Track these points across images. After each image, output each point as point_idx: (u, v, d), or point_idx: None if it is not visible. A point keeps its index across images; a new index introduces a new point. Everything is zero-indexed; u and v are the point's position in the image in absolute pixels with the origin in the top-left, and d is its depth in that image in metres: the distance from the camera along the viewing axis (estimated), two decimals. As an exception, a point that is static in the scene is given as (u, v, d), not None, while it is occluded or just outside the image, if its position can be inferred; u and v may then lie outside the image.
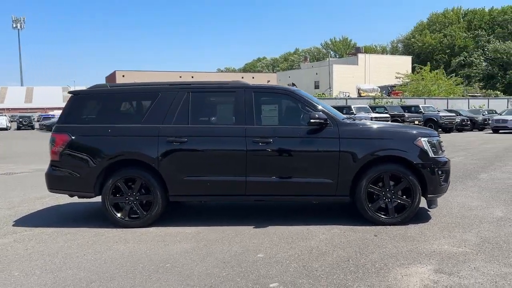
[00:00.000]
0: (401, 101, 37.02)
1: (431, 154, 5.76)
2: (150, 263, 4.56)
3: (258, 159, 5.83)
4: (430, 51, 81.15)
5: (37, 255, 4.91)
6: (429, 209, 6.19)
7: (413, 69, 58.92)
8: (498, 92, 46.58)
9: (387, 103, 34.97)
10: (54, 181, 6.21)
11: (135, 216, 6.01)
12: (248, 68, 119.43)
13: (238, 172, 5.86)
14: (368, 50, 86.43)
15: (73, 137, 6.02)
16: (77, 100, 6.26)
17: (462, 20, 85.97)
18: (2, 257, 4.86)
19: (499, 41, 62.89)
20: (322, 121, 5.72)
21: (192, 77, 67.20)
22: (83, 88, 8.34)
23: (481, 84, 53.26)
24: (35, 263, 4.64)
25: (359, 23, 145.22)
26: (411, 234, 5.35)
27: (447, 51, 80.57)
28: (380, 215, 5.78)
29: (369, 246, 4.92)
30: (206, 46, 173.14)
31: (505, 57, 58.23)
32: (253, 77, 73.18)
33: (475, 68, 61.10)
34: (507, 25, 76.95)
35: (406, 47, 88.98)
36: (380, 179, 5.76)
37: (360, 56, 62.11)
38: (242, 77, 71.28)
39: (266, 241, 5.22)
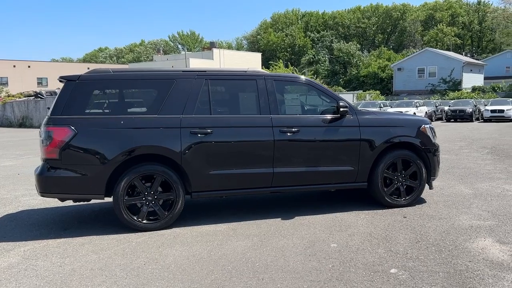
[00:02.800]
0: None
1: (433, 140, 6.35)
2: (231, 263, 4.16)
3: (285, 149, 5.70)
4: (274, 48, 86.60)
5: (89, 272, 4.10)
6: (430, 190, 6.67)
7: (264, 65, 62.09)
8: (341, 88, 52.07)
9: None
10: (52, 184, 5.18)
11: (154, 217, 5.38)
12: (89, 59, 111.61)
13: (265, 163, 5.65)
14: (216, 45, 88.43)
15: (76, 131, 5.10)
16: (77, 87, 5.28)
17: (300, 21, 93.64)
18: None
19: (343, 42, 70.07)
20: (347, 109, 5.86)
21: (29, 66, 60.94)
22: None
23: (326, 80, 58.88)
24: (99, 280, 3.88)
25: (205, 18, 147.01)
26: (431, 213, 5.83)
27: (288, 50, 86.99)
28: (394, 198, 6.17)
29: (413, 227, 5.24)
30: (40, 35, 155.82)
31: (345, 56, 65.23)
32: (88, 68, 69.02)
33: (322, 65, 67.16)
34: (337, 28, 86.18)
35: (251, 44, 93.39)
36: (392, 164, 6.14)
37: (215, 51, 63.12)
38: (88, 68, 66.91)
39: (315, 231, 5.17)
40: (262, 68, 46.97)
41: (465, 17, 78.91)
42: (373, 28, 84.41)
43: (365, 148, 5.96)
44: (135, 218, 5.27)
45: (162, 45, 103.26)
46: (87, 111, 5.27)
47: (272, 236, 5.01)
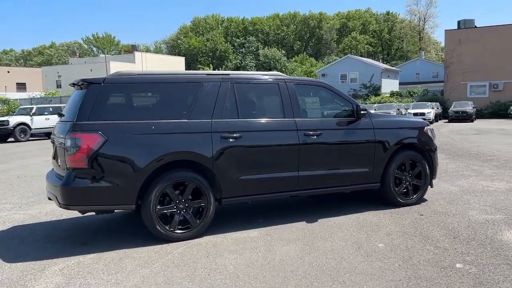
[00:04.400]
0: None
1: (433, 140, 6.72)
2: (297, 268, 4.08)
3: (309, 153, 5.72)
4: (196, 53, 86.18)
5: (156, 286, 3.81)
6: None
7: (189, 69, 61.48)
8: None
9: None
10: (79, 195, 4.73)
11: (184, 226, 5.13)
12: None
13: (291, 167, 5.63)
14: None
15: (106, 137, 4.72)
16: (102, 90, 4.88)
17: (220, 26, 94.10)
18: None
19: (268, 48, 71.48)
20: (366, 112, 6.03)
21: None
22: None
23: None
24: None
25: (120, 20, 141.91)
26: (441, 210, 6.15)
27: (210, 54, 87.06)
28: (403, 197, 6.43)
29: (438, 224, 5.49)
30: None
31: (271, 62, 66.67)
32: (8, 71, 64.24)
33: (249, 70, 68.05)
34: (258, 34, 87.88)
35: (171, 48, 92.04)
36: (401, 164, 6.40)
37: (137, 54, 61.40)
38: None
39: (350, 232, 5.24)
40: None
41: (375, 26, 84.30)
42: (292, 36, 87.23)
43: (379, 149, 6.16)
44: (167, 228, 4.99)
45: (76, 48, 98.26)
46: (115, 116, 4.89)
47: (314, 240, 4.99)
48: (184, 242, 5.00)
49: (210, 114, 5.25)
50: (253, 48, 74.38)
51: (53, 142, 5.53)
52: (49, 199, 5.33)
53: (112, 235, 5.40)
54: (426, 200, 6.73)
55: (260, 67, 68.44)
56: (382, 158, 6.18)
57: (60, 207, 4.87)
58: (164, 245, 4.92)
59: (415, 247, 4.67)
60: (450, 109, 33.26)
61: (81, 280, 4.00)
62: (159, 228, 4.93)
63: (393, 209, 6.25)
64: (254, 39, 78.81)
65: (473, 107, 33.13)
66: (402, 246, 4.70)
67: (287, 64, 67.39)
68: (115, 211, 5.43)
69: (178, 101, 5.28)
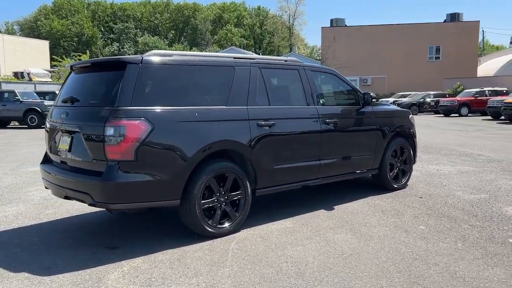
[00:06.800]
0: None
1: (415, 127, 7.19)
2: (388, 254, 4.07)
3: (329, 140, 5.69)
4: (58, 37, 79.28)
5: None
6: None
7: (53, 54, 56.28)
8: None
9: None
10: (126, 191, 4.06)
11: (223, 220, 4.75)
12: None
13: (314, 155, 5.55)
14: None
15: (153, 125, 4.12)
16: (143, 72, 4.22)
17: (86, 10, 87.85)
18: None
19: (149, 35, 68.28)
20: (375, 100, 6.19)
21: None
22: None
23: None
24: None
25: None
26: (432, 192, 6.61)
27: (75, 39, 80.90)
28: (395, 181, 6.77)
29: (445, 204, 5.88)
30: None
31: (154, 49, 63.91)
32: None
33: None
34: (129, 20, 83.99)
35: (28, 30, 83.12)
36: (394, 151, 6.72)
37: (-7, 35, 54.29)
38: None
39: (378, 217, 5.35)
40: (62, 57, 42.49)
41: (248, 20, 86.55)
42: (166, 24, 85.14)
43: (379, 136, 6.39)
44: (210, 223, 4.57)
45: None
46: (155, 101, 4.27)
47: (355, 226, 4.96)
48: (228, 237, 4.62)
49: (245, 100, 4.90)
50: (131, 35, 70.81)
51: (54, 130, 4.69)
52: (65, 196, 4.50)
53: (132, 236, 4.75)
54: (408, 185, 7.17)
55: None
56: (381, 145, 6.42)
57: (95, 205, 4.12)
58: (207, 241, 4.48)
59: (454, 227, 4.95)
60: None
61: (161, 286, 3.46)
62: (203, 224, 4.48)
63: (388, 193, 6.53)
64: (133, 25, 75.10)
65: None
66: (442, 227, 4.95)
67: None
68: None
69: (216, 86, 4.83)
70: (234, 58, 5.12)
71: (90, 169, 4.20)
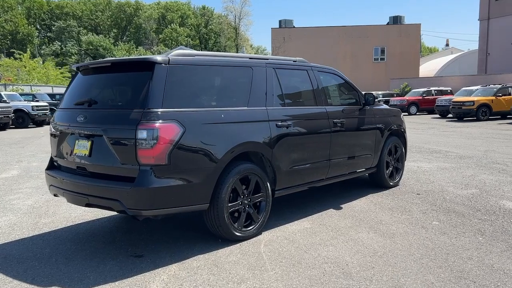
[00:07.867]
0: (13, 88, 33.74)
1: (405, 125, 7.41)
2: (420, 252, 4.15)
3: (337, 141, 5.74)
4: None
5: None
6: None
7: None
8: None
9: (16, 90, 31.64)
10: (162, 196, 3.86)
11: (246, 223, 4.66)
12: None
13: (325, 155, 5.58)
14: None
15: (184, 127, 3.96)
16: (171, 72, 4.02)
17: (20, 6, 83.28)
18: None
19: (93, 34, 65.50)
20: (377, 100, 6.29)
21: None
22: None
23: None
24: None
25: None
26: (426, 189, 6.84)
27: (9, 37, 76.51)
28: (390, 179, 6.94)
29: (445, 199, 6.10)
30: None
31: (99, 49, 61.53)
32: None
33: (71, 58, 61.44)
34: (68, 18, 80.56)
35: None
36: (389, 149, 6.89)
37: None
38: None
39: (388, 214, 5.45)
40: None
41: (193, 19, 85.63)
42: (108, 23, 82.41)
43: (378, 135, 6.53)
44: (236, 226, 4.47)
45: None
46: (183, 102, 4.09)
47: (373, 225, 5.03)
48: (253, 240, 4.55)
49: (263, 101, 4.84)
50: (74, 33, 67.84)
51: (64, 134, 4.41)
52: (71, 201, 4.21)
53: (152, 243, 4.54)
54: (399, 183, 7.37)
55: (85, 55, 63.08)
56: (379, 144, 6.57)
57: (127, 213, 3.89)
58: (234, 245, 4.40)
59: (465, 222, 5.13)
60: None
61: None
62: (230, 228, 4.37)
63: (385, 191, 6.69)
64: (75, 24, 71.92)
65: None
66: (454, 222, 5.12)
67: (115, 53, 63.54)
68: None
69: (238, 87, 4.73)
70: (250, 58, 5.04)
71: (118, 175, 3.97)
